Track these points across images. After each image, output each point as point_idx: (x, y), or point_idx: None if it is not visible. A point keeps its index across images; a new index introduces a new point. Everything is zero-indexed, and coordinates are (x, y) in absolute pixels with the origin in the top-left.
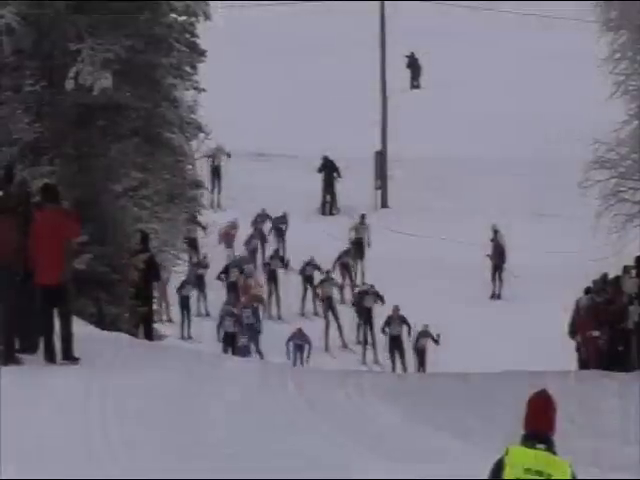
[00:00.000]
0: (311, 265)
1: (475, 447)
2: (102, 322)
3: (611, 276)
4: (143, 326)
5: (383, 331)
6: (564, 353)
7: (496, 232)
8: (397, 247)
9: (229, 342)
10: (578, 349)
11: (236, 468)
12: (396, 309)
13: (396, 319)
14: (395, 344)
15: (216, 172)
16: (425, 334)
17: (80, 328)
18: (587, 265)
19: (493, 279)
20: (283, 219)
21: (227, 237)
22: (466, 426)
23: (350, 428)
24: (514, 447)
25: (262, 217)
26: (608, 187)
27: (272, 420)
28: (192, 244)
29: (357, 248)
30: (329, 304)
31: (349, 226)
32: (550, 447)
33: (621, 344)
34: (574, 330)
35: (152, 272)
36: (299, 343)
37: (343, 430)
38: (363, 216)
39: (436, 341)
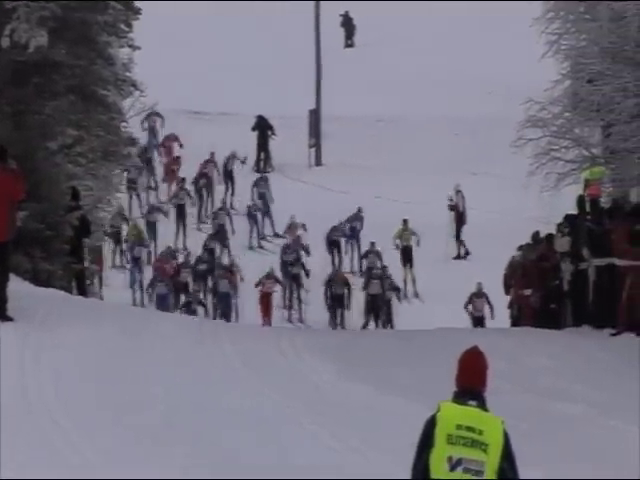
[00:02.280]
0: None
1: (407, 402)
2: (37, 279)
3: (543, 234)
4: (76, 283)
5: (326, 291)
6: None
7: (458, 192)
8: (330, 205)
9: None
10: (510, 306)
11: (169, 423)
12: (340, 271)
13: (339, 280)
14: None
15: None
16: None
17: (15, 285)
18: (522, 223)
19: (458, 239)
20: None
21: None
22: (402, 383)
23: (285, 385)
24: (446, 403)
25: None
26: (540, 146)
27: (207, 376)
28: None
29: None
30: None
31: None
32: (482, 404)
33: (554, 302)
34: (508, 287)
35: (84, 229)
36: None
37: (277, 386)
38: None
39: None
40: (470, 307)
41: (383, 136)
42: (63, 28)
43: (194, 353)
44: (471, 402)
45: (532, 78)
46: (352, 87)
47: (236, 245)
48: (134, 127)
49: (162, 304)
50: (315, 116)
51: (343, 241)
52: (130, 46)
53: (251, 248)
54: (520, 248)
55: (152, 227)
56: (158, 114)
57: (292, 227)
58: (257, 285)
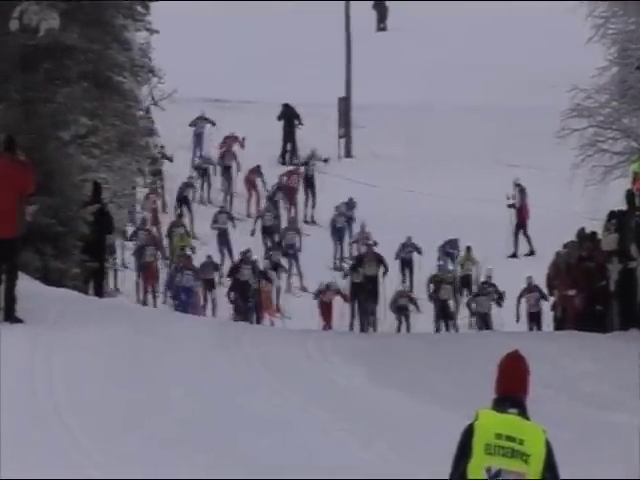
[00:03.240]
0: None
1: (443, 411)
2: (48, 277)
3: (588, 231)
4: (93, 282)
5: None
6: None
7: (517, 186)
8: (361, 199)
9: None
10: (554, 308)
11: (189, 428)
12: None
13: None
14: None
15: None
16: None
17: (25, 284)
18: (566, 219)
19: (516, 237)
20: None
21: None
22: (437, 389)
23: (311, 389)
24: (485, 411)
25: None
26: (586, 137)
27: (228, 380)
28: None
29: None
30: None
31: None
32: (523, 411)
33: (600, 304)
34: (552, 288)
35: (104, 225)
36: None
37: (302, 391)
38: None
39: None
40: (523, 302)
41: (417, 125)
42: (76, 10)
43: (215, 356)
44: (511, 410)
45: (577, 64)
46: (384, 73)
47: (315, 265)
48: (152, 116)
49: (186, 298)
50: (345, 104)
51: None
52: (147, 30)
53: (335, 269)
54: (565, 246)
55: (224, 236)
56: (207, 119)
57: (363, 236)
58: (315, 297)
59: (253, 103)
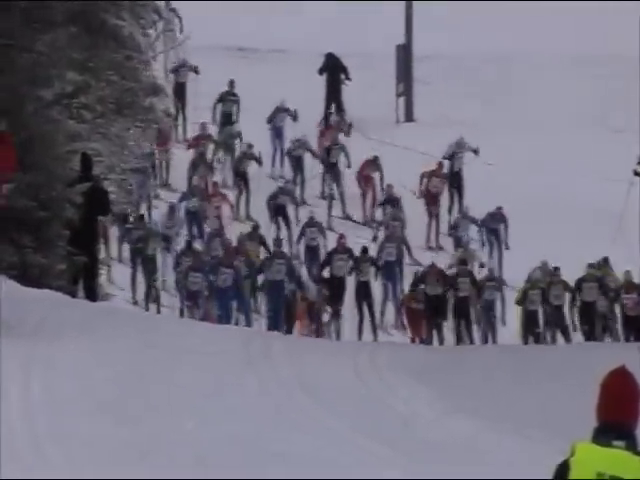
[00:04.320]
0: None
1: (531, 444)
2: (26, 275)
3: None
4: (83, 281)
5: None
6: None
7: None
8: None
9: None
10: None
11: (203, 466)
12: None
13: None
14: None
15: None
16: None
17: None
18: None
19: None
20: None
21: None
22: (518, 415)
23: (361, 418)
24: (583, 444)
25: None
26: None
27: (254, 407)
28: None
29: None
30: None
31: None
32: (632, 444)
33: None
34: None
35: (97, 206)
36: None
37: (350, 421)
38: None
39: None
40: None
41: (495, 81)
42: None
43: (239, 376)
44: (617, 442)
45: None
46: (454, 15)
47: None
48: (159, 70)
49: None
50: (405, 54)
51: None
52: None
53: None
54: None
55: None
56: (288, 110)
57: None
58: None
59: (287, 52)
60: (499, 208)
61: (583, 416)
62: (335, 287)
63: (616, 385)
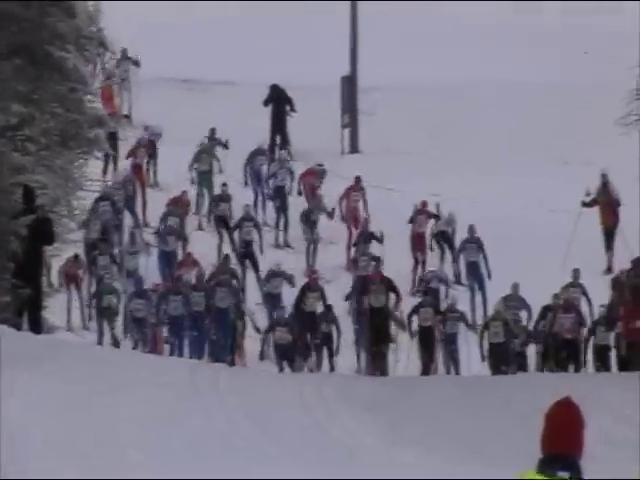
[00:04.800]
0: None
1: (477, 474)
2: None
3: None
4: (28, 313)
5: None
6: None
7: (604, 176)
8: (373, 205)
9: None
10: (617, 342)
11: None
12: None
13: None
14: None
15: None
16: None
17: None
18: (633, 229)
19: (608, 247)
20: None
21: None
22: (467, 446)
23: (307, 451)
24: (528, 473)
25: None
26: None
27: (200, 439)
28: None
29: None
30: None
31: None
32: (577, 475)
33: None
34: (613, 318)
35: (42, 237)
36: None
37: (297, 453)
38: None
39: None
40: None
41: (441, 112)
42: None
43: (185, 408)
44: (562, 473)
45: None
46: (400, 46)
47: None
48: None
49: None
50: (349, 85)
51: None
52: None
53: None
54: (632, 264)
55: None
56: (266, 152)
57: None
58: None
59: (232, 84)
60: (472, 229)
61: (530, 446)
62: (307, 322)
63: (560, 416)
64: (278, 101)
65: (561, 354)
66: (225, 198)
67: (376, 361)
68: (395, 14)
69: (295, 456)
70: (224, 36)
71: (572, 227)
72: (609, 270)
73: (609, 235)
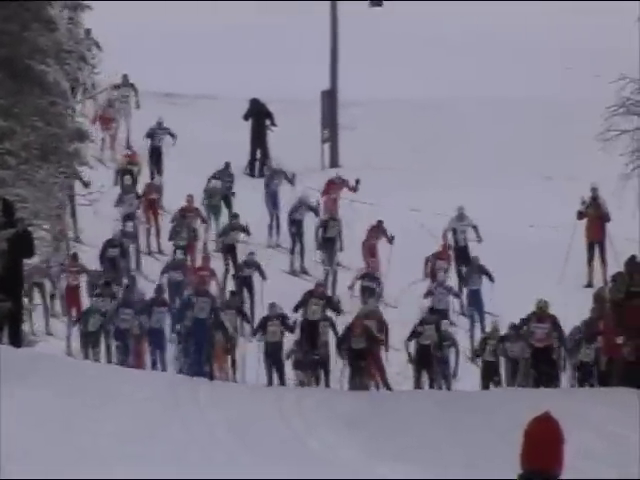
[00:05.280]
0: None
1: None
2: None
3: None
4: (8, 327)
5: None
6: None
7: (594, 190)
8: (352, 220)
9: None
10: (597, 358)
11: None
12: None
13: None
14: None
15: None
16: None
17: None
18: (615, 244)
19: (590, 262)
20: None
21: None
22: (446, 461)
23: (287, 465)
24: None
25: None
26: (637, 139)
27: (180, 453)
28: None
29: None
30: None
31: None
32: None
33: None
34: (593, 333)
35: (21, 250)
36: None
37: (276, 467)
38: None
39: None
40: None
41: (422, 127)
42: None
43: (165, 421)
44: None
45: (626, 48)
46: (380, 59)
47: None
48: (84, 114)
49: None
50: (329, 100)
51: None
52: (76, 7)
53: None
54: (612, 279)
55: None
56: (284, 173)
57: None
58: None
59: (213, 99)
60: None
61: (509, 461)
62: (308, 331)
63: (539, 431)
64: (258, 115)
65: (530, 363)
66: (235, 226)
67: (357, 377)
68: (377, 24)
69: (274, 468)
70: (206, 49)
71: (558, 241)
72: (589, 285)
73: (592, 248)
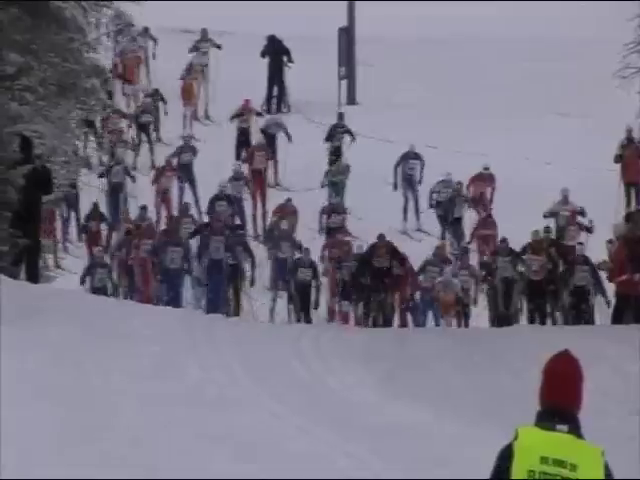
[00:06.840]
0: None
1: (479, 430)
2: None
3: None
4: (26, 263)
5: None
6: None
7: (629, 131)
8: (370, 158)
9: None
10: (615, 297)
11: (139, 452)
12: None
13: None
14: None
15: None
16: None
17: None
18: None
19: (628, 202)
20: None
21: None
22: (466, 400)
23: (303, 402)
24: (526, 428)
25: None
26: None
27: (195, 391)
28: None
29: None
30: None
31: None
32: (575, 428)
33: None
34: (612, 271)
35: (39, 187)
36: None
37: (292, 405)
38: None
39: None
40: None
41: (440, 64)
42: None
43: (180, 360)
44: (561, 426)
45: None
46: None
47: None
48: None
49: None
50: (347, 37)
51: None
52: None
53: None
54: (626, 218)
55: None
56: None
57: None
58: None
59: (230, 34)
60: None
61: (526, 400)
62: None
63: (559, 369)
64: (275, 52)
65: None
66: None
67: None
68: None
69: (290, 408)
70: None
71: (575, 180)
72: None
73: (630, 191)
